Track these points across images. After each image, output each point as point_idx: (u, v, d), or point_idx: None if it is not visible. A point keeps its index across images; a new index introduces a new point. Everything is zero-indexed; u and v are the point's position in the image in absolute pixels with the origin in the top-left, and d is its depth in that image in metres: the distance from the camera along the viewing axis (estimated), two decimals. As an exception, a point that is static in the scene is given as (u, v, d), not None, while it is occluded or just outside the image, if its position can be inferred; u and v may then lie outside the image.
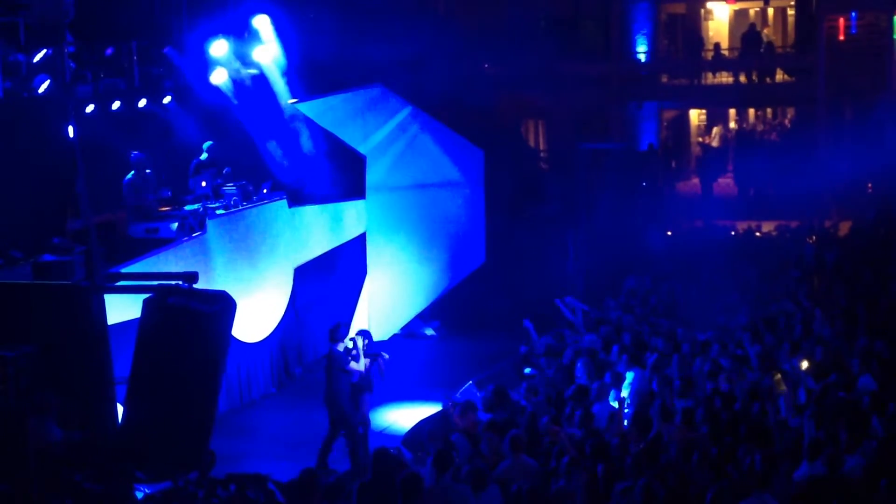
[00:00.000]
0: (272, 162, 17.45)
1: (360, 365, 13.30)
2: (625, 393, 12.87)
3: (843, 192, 25.11)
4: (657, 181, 28.29)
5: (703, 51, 31.39)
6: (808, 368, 12.88)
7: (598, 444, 10.13)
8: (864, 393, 11.84)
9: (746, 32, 31.13)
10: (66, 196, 12.85)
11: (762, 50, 30.81)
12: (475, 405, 11.96)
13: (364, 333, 13.79)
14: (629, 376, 13.13)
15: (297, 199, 17.22)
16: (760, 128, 33.90)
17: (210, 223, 14.83)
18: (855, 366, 12.82)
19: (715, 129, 33.38)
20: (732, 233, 22.93)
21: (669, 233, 22.89)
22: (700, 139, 33.60)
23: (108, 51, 15.71)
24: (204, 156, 16.20)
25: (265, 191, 16.56)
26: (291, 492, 8.65)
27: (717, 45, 31.44)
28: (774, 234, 23.08)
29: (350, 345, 13.35)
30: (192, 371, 8.20)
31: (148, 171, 15.33)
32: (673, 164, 31.16)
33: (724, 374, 12.95)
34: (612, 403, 12.29)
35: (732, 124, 34.52)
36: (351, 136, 17.90)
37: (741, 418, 11.33)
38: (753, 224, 23.59)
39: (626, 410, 12.11)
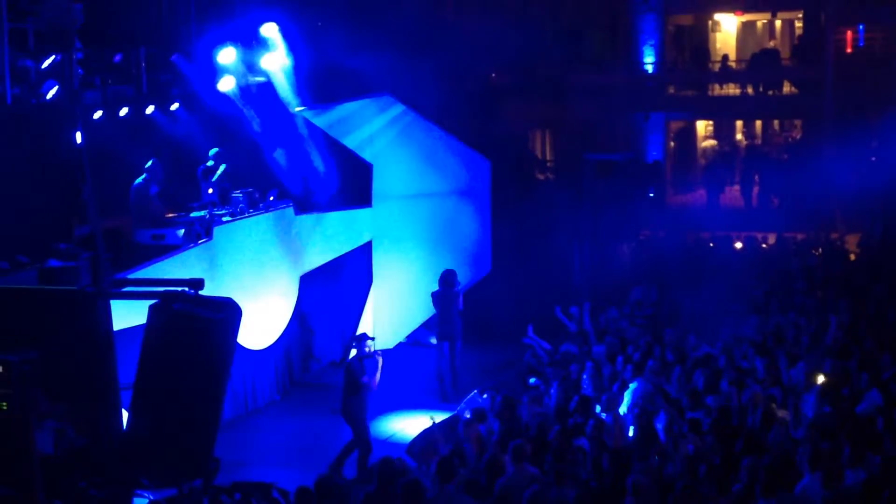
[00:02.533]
0: (279, 169, 17.46)
1: (377, 377, 13.19)
2: (625, 403, 12.84)
3: (850, 204, 25.09)
4: (664, 192, 28.28)
5: (710, 62, 31.40)
6: (820, 382, 12.81)
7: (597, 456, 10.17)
8: (872, 407, 11.79)
9: (762, 53, 31.04)
10: (72, 202, 12.85)
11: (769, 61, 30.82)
12: (484, 414, 11.93)
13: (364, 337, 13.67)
14: (632, 387, 13.09)
15: (304, 206, 17.23)
16: (770, 141, 33.86)
17: (216, 230, 14.85)
18: (863, 380, 12.76)
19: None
20: (738, 244, 22.90)
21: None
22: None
23: (117, 57, 15.72)
24: (210, 162, 16.22)
25: (272, 198, 16.56)
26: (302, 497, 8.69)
27: (724, 57, 31.45)
28: (781, 245, 23.04)
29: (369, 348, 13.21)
30: (198, 378, 8.18)
31: (159, 178, 15.34)
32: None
33: (729, 385, 12.91)
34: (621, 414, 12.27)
35: (739, 136, 34.48)
36: (358, 144, 17.92)
37: (743, 431, 11.29)
38: (759, 236, 23.58)
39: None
